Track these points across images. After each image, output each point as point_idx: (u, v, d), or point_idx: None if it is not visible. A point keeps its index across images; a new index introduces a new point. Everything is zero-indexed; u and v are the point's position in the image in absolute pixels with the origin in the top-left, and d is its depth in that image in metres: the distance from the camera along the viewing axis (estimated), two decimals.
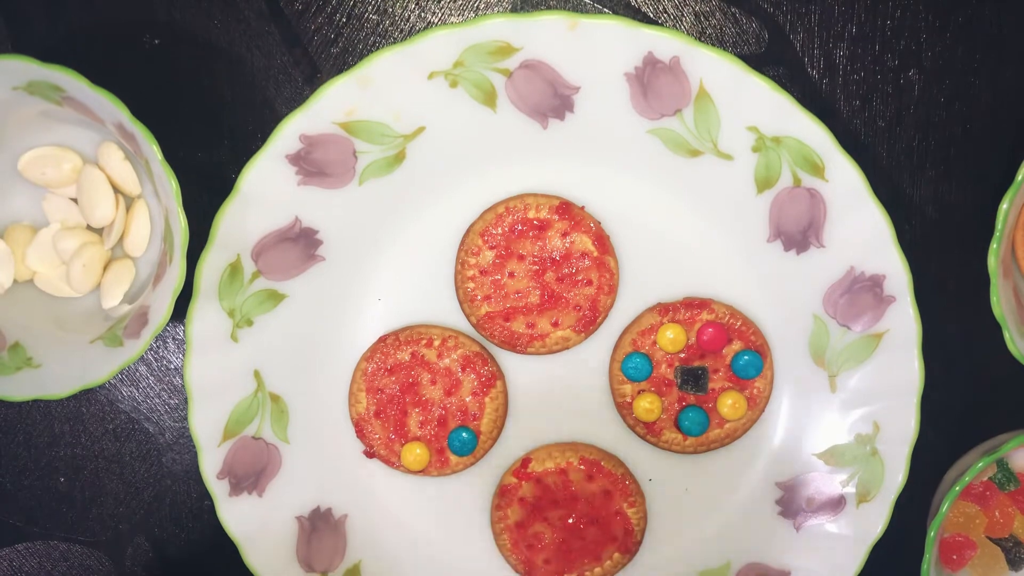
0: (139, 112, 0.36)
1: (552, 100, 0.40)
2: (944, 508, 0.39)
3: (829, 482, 0.42)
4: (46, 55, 0.36)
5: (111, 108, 0.36)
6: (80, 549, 0.46)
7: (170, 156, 0.37)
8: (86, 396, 0.45)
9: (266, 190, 0.40)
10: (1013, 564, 0.43)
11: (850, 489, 0.42)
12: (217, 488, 0.41)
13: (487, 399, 0.42)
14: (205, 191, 0.42)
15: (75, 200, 0.42)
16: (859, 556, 0.41)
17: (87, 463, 0.45)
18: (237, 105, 0.42)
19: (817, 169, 0.39)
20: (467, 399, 0.42)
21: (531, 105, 0.40)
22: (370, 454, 0.43)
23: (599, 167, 0.41)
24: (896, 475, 0.41)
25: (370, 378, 0.42)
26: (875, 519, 0.41)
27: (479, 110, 0.40)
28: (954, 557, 0.43)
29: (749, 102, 0.39)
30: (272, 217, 0.40)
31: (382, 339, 0.42)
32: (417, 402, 0.42)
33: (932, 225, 0.43)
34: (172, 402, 0.45)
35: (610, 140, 0.41)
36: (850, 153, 0.39)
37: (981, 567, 0.43)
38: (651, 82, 0.39)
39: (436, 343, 0.42)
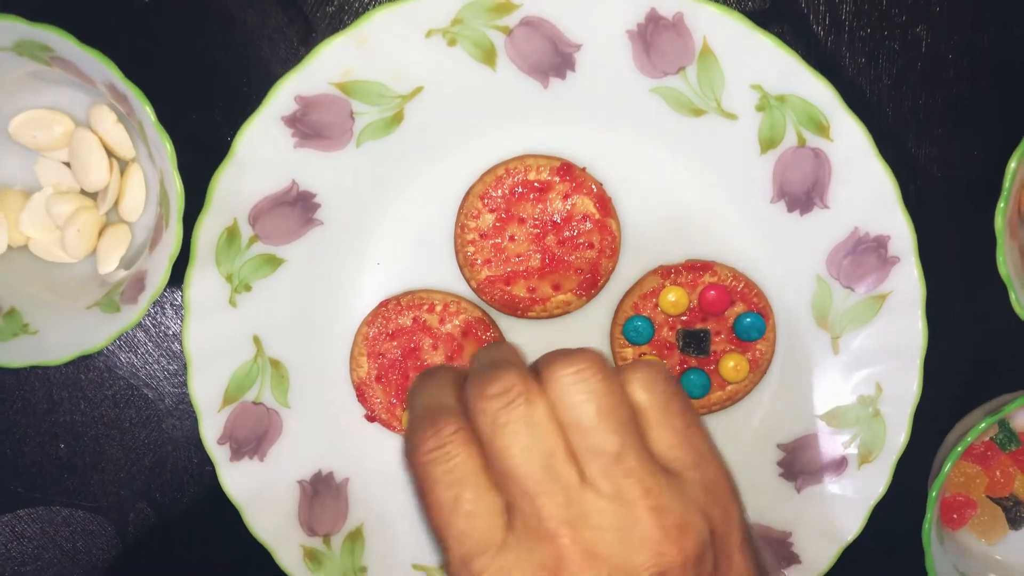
0: (131, 73, 0.35)
1: (553, 58, 0.39)
2: (946, 469, 0.39)
3: (831, 443, 0.42)
4: (34, 15, 0.35)
5: (102, 69, 0.35)
6: (82, 514, 0.46)
7: (163, 118, 0.36)
8: (84, 362, 0.44)
9: (262, 153, 0.39)
10: (1013, 523, 0.43)
11: (852, 450, 0.42)
12: (218, 453, 0.41)
13: None
14: (200, 154, 0.41)
15: (68, 164, 0.41)
16: (860, 517, 0.41)
17: (87, 429, 0.45)
18: (231, 66, 0.41)
19: (822, 128, 0.39)
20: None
21: (531, 63, 0.39)
22: (371, 418, 0.43)
23: (601, 127, 0.41)
24: (898, 436, 0.41)
25: (371, 343, 0.42)
26: (876, 480, 0.41)
27: (478, 69, 0.39)
28: (954, 516, 0.43)
29: (753, 60, 0.38)
30: (269, 180, 0.40)
31: (383, 304, 0.42)
32: (419, 367, 0.42)
33: (938, 184, 0.42)
34: (171, 368, 0.45)
35: (612, 99, 0.40)
36: (855, 111, 0.39)
37: (981, 526, 0.43)
38: (654, 39, 0.38)
39: (438, 308, 0.41)
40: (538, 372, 0.28)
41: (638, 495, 0.26)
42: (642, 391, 0.28)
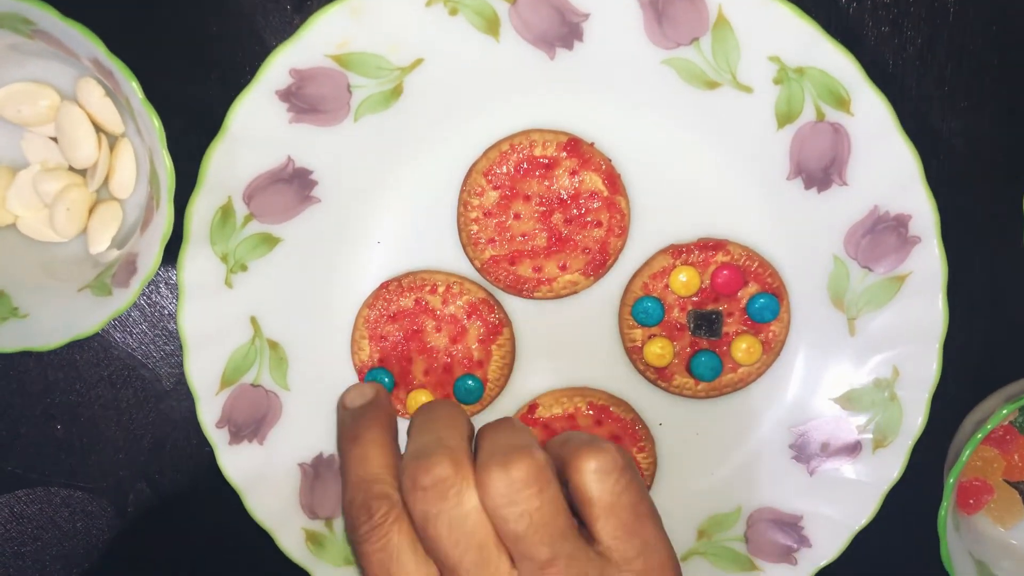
0: (118, 45, 0.34)
1: (560, 28, 0.37)
2: (965, 455, 0.38)
3: (845, 427, 0.41)
4: None
5: (86, 43, 0.33)
6: (81, 495, 0.45)
7: (153, 92, 0.34)
8: (79, 343, 0.43)
9: (256, 129, 0.38)
10: None
11: (866, 435, 0.41)
12: (217, 437, 0.40)
13: (494, 347, 0.41)
14: (193, 129, 0.40)
15: (55, 139, 0.40)
16: (874, 501, 0.41)
17: (83, 410, 0.44)
18: (223, 37, 0.40)
19: (842, 102, 0.37)
20: (473, 346, 0.41)
21: (537, 33, 0.38)
22: None
23: (610, 101, 0.39)
24: (915, 420, 0.40)
25: (372, 325, 0.41)
26: (891, 464, 0.40)
27: (481, 39, 0.38)
28: (971, 501, 0.42)
29: (771, 30, 0.36)
30: (264, 157, 0.38)
31: (384, 285, 0.40)
32: (422, 349, 0.41)
33: (962, 159, 0.40)
34: (168, 348, 0.44)
35: (622, 71, 0.38)
36: (877, 84, 0.37)
37: (998, 511, 0.42)
38: (666, 8, 0.37)
39: (441, 289, 0.40)
40: (475, 451, 0.29)
41: None
42: (593, 482, 0.28)
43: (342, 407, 0.32)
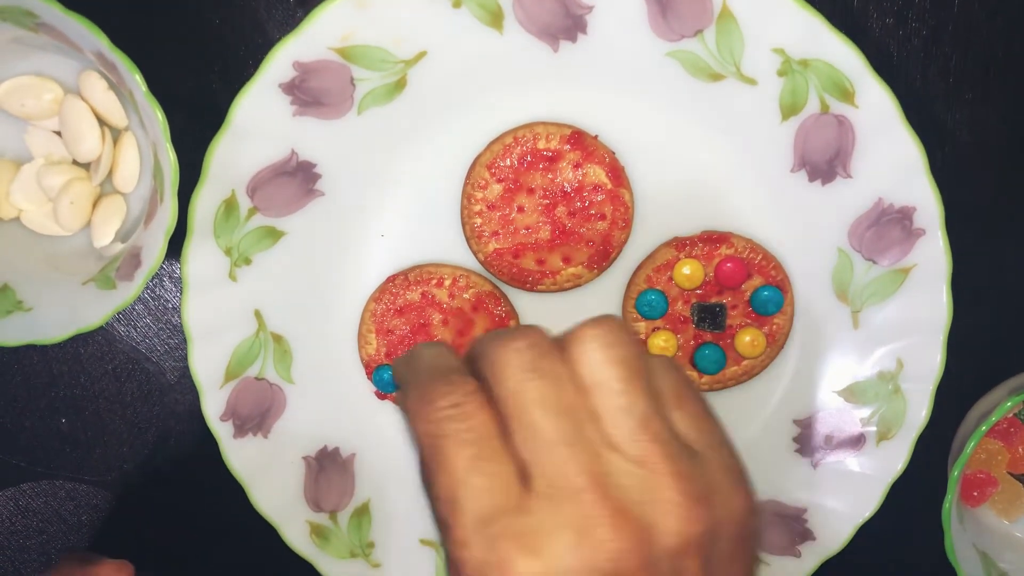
0: (121, 38, 0.34)
1: (563, 20, 0.37)
2: (969, 448, 0.38)
3: (849, 420, 0.41)
4: None
5: (89, 36, 0.33)
6: (86, 488, 0.45)
7: (156, 85, 0.34)
8: (83, 337, 0.43)
9: (260, 122, 0.37)
10: None
11: (870, 427, 0.41)
12: (221, 430, 0.40)
13: None
14: (196, 122, 0.40)
15: (59, 133, 0.40)
16: (877, 494, 0.41)
17: (88, 404, 0.44)
18: (226, 30, 0.40)
19: (847, 94, 0.37)
20: None
21: (541, 26, 0.38)
22: (382, 395, 0.42)
23: (613, 93, 0.39)
24: (918, 413, 0.40)
25: (379, 319, 0.41)
26: (895, 457, 0.40)
27: (485, 32, 0.37)
28: (975, 494, 0.42)
29: (775, 22, 0.36)
30: (267, 150, 0.38)
31: (390, 279, 0.40)
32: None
33: (966, 151, 0.40)
34: (172, 342, 0.44)
35: (626, 64, 0.38)
36: (882, 75, 0.37)
37: (1002, 503, 0.42)
38: (670, 0, 0.36)
39: (447, 283, 0.40)
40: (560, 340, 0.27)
41: (663, 460, 0.25)
42: (661, 374, 0.27)
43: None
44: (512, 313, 0.41)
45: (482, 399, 0.26)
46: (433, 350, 0.28)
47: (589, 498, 0.25)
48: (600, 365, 0.26)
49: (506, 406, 0.26)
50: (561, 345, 0.26)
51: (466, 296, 0.40)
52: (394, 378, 0.30)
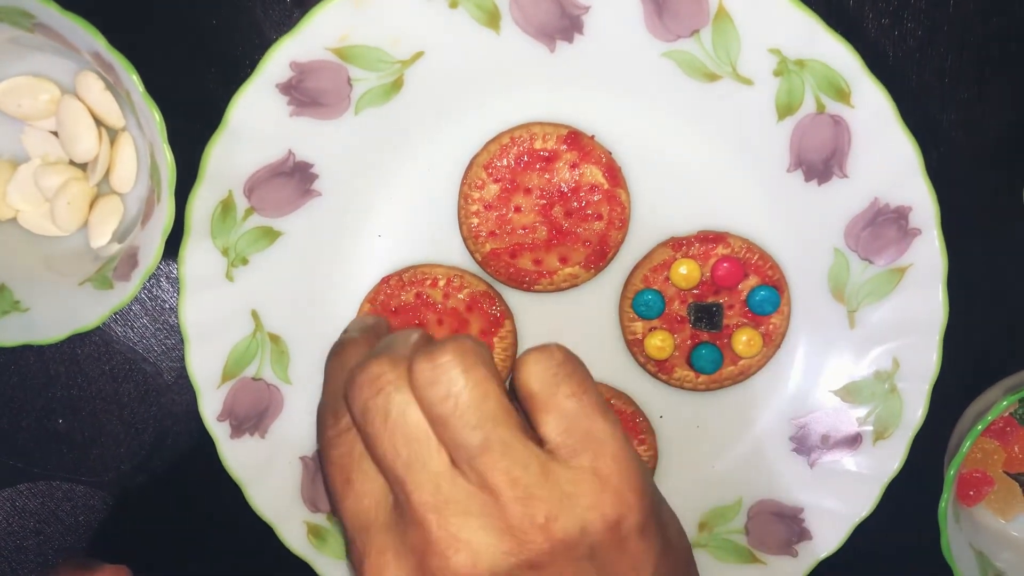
0: (118, 38, 0.34)
1: (560, 20, 0.37)
2: (965, 447, 0.38)
3: (845, 419, 0.41)
4: None
5: (86, 36, 0.33)
6: (83, 489, 0.45)
7: (153, 86, 0.34)
8: (80, 337, 0.43)
9: (257, 122, 0.37)
10: None
11: (867, 427, 0.41)
12: (218, 430, 0.40)
13: (495, 339, 0.41)
14: (193, 122, 0.40)
15: (55, 133, 0.40)
16: (874, 493, 0.41)
17: (84, 404, 0.44)
18: (223, 30, 0.40)
19: (843, 94, 0.37)
20: None
21: (537, 26, 0.38)
22: None
23: (610, 93, 0.39)
24: (915, 412, 0.40)
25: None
26: (892, 456, 0.40)
27: (481, 32, 0.38)
28: (971, 493, 0.42)
29: (771, 22, 0.36)
30: (264, 151, 0.38)
31: (385, 280, 0.40)
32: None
33: (962, 151, 0.40)
34: (169, 342, 0.44)
35: (622, 64, 0.38)
36: (878, 75, 0.37)
37: (998, 502, 0.42)
38: (667, 0, 0.37)
39: (441, 283, 0.40)
40: None
41: (505, 485, 0.26)
42: (532, 377, 0.28)
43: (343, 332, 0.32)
44: (507, 312, 0.41)
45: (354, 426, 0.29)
46: (334, 366, 0.31)
47: (431, 526, 0.26)
48: (431, 400, 0.27)
49: (361, 436, 0.28)
50: (412, 367, 0.27)
51: (460, 296, 0.40)
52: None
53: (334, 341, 0.33)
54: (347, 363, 0.30)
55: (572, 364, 0.28)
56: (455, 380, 0.26)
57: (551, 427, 0.27)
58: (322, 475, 0.29)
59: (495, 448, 0.26)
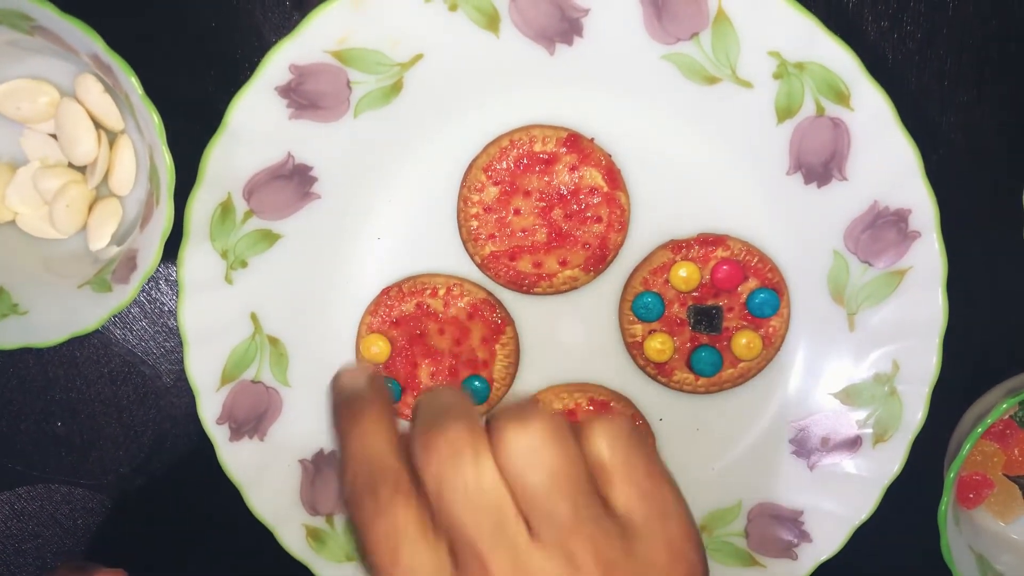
0: (117, 40, 0.34)
1: (560, 23, 0.37)
2: (965, 450, 0.38)
3: (845, 422, 0.41)
4: None
5: (85, 39, 0.33)
6: (81, 492, 0.45)
7: (152, 88, 0.34)
8: (79, 340, 0.43)
9: (256, 125, 0.37)
10: None
11: (867, 429, 0.41)
12: (217, 433, 0.40)
13: (497, 346, 0.41)
14: (193, 124, 0.40)
15: (54, 136, 0.40)
16: (874, 496, 0.41)
17: (83, 407, 0.44)
18: (222, 33, 0.40)
19: (842, 97, 0.37)
20: (477, 347, 0.41)
21: (537, 29, 0.38)
22: None
23: (610, 96, 0.39)
24: (915, 415, 0.40)
25: (376, 331, 0.41)
26: (891, 459, 0.40)
27: (481, 35, 0.38)
28: (971, 496, 0.42)
29: (770, 25, 0.36)
30: (263, 153, 0.38)
31: (385, 291, 0.40)
32: (426, 353, 0.41)
33: (961, 154, 0.40)
34: (168, 345, 0.44)
35: (622, 67, 0.38)
36: (877, 78, 0.37)
37: (998, 505, 0.42)
38: (666, 3, 0.37)
39: (441, 292, 0.40)
40: (488, 424, 0.27)
41: (589, 558, 0.26)
42: (604, 447, 0.27)
43: (336, 390, 0.30)
44: (508, 319, 0.41)
45: (404, 499, 0.27)
46: (365, 433, 0.28)
47: None
48: (521, 471, 0.26)
49: (432, 503, 0.26)
50: (483, 436, 0.26)
51: (461, 304, 0.40)
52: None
53: (334, 392, 0.30)
54: (370, 428, 0.28)
55: (638, 435, 0.28)
56: (553, 455, 0.26)
57: (623, 497, 0.27)
58: (359, 553, 0.27)
59: (584, 521, 0.26)
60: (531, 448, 0.26)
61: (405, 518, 0.26)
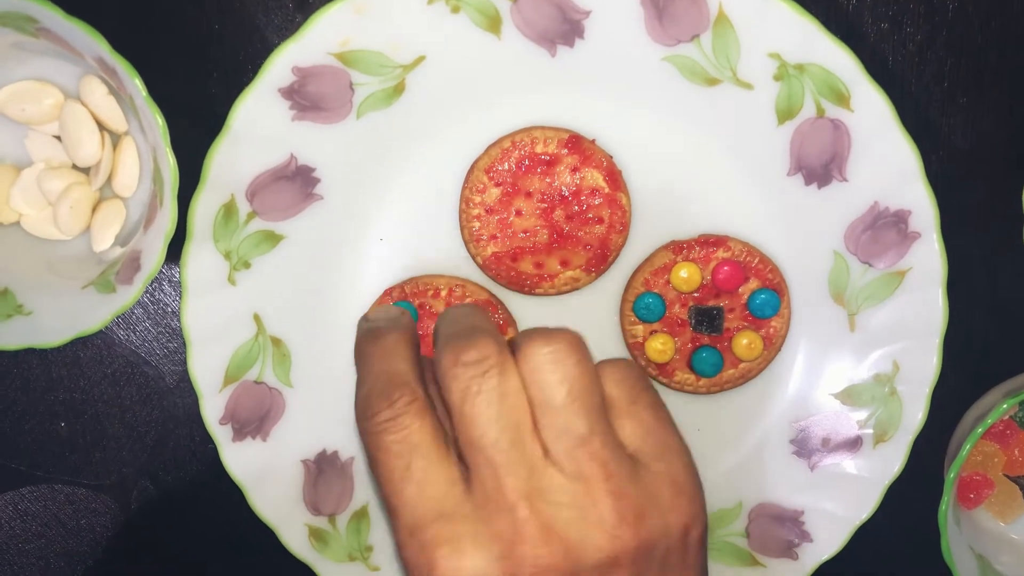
0: (121, 43, 0.34)
1: (561, 25, 0.38)
2: (965, 451, 0.38)
3: (845, 422, 0.41)
4: None
5: (89, 41, 0.34)
6: (85, 492, 0.45)
7: (155, 90, 0.35)
8: (82, 340, 0.43)
9: (259, 126, 0.38)
10: None
11: (867, 430, 0.41)
12: (220, 434, 0.41)
13: None
14: (196, 126, 0.40)
15: (59, 138, 0.40)
16: (874, 496, 0.41)
17: (87, 407, 0.44)
18: (225, 35, 0.40)
19: (842, 99, 0.37)
20: None
21: (539, 31, 0.38)
22: None
23: (611, 98, 0.39)
24: (915, 415, 0.40)
25: None
26: (892, 460, 0.40)
27: (483, 37, 0.38)
28: (971, 496, 0.42)
29: (771, 27, 0.37)
30: (266, 155, 0.38)
31: (387, 292, 0.41)
32: (429, 354, 0.41)
33: (961, 156, 0.41)
34: (171, 345, 0.44)
35: (623, 69, 0.38)
36: (877, 80, 0.37)
37: (998, 505, 0.42)
38: (667, 5, 0.37)
39: (443, 293, 0.40)
40: (514, 345, 0.27)
41: (600, 478, 0.26)
42: (613, 383, 0.28)
43: (361, 324, 0.30)
44: (510, 320, 0.41)
45: (419, 409, 0.27)
46: (381, 348, 0.28)
47: (522, 513, 0.26)
48: (545, 382, 0.26)
49: (452, 415, 0.27)
50: (510, 354, 0.27)
51: None
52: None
53: (360, 328, 0.30)
54: (390, 348, 0.28)
55: (647, 379, 0.28)
56: (573, 366, 0.26)
57: (630, 432, 0.27)
58: (369, 464, 0.27)
59: (596, 439, 0.26)
60: (554, 357, 0.26)
61: (421, 429, 0.27)
